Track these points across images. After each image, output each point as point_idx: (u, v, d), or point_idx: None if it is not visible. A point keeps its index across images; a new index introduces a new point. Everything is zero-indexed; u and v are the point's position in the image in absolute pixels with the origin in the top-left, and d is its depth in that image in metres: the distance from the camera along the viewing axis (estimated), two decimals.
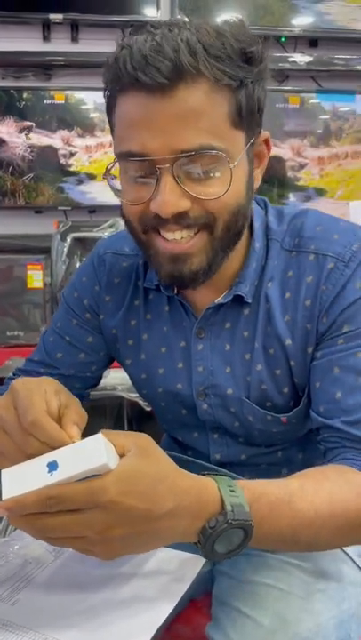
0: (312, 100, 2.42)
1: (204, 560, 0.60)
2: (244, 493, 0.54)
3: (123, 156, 0.62)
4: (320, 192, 2.43)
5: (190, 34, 0.58)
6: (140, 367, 0.82)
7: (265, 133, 0.68)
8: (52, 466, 0.49)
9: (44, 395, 0.57)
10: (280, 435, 0.79)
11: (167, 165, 0.59)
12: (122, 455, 0.50)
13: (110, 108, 0.64)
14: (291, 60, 2.41)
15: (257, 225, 0.74)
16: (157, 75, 0.57)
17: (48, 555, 0.66)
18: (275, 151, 2.41)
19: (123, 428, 1.93)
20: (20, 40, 2.31)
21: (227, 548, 0.54)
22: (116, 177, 0.67)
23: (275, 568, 0.71)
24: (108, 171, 0.66)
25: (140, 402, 1.87)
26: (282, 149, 2.41)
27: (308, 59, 2.42)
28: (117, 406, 1.94)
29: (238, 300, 0.74)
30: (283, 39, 2.41)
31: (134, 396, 1.85)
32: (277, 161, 2.40)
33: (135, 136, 0.60)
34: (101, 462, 0.48)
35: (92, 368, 0.86)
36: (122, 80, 0.59)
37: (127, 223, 0.68)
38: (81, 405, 0.61)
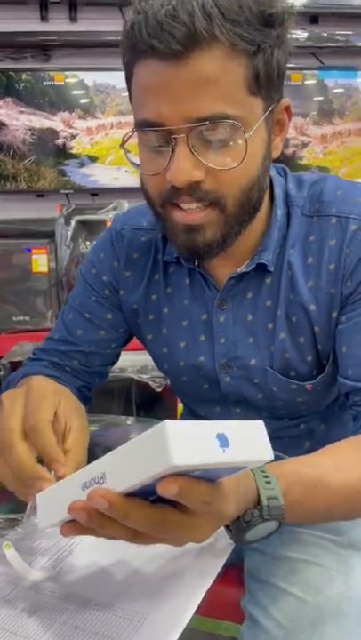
0: (314, 78, 2.40)
1: None
2: (279, 484, 0.53)
3: (139, 125, 0.62)
4: (324, 171, 2.42)
5: None
6: (162, 342, 0.82)
7: (285, 100, 0.66)
8: (223, 441, 0.41)
9: (56, 405, 0.57)
10: (304, 405, 0.79)
11: (182, 135, 0.59)
12: None
13: (128, 76, 0.63)
14: (292, 36, 2.38)
15: (278, 192, 0.73)
16: (172, 41, 0.56)
17: None
18: None
19: (131, 410, 1.93)
20: (18, 20, 2.27)
21: (257, 536, 0.54)
22: (130, 151, 0.67)
23: (309, 543, 0.71)
24: (124, 141, 0.65)
25: (151, 383, 1.87)
26: None
27: (308, 35, 2.39)
28: (126, 388, 1.94)
29: (261, 269, 0.73)
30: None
31: (145, 377, 1.86)
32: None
33: (151, 104, 0.59)
34: (267, 458, 0.44)
35: (111, 345, 0.86)
36: (137, 47, 0.59)
37: (146, 195, 0.67)
38: (87, 441, 0.60)
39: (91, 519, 0.43)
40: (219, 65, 0.57)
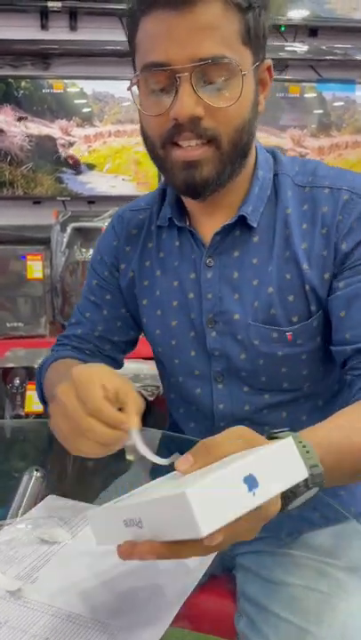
0: (312, 90, 2.41)
1: None
2: (315, 451, 0.55)
3: (146, 68, 0.68)
4: None
5: None
6: (156, 303, 0.86)
7: (268, 61, 0.74)
8: (251, 483, 0.41)
9: (101, 381, 0.60)
10: (285, 367, 0.78)
11: (186, 74, 0.65)
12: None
13: (132, 34, 0.70)
14: (290, 49, 2.39)
15: (261, 158, 0.80)
16: None
17: (64, 533, 0.65)
18: (275, 141, 2.40)
19: None
20: (18, 28, 2.28)
21: (298, 504, 0.55)
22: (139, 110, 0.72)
23: (306, 567, 0.71)
24: (131, 85, 0.72)
25: (143, 392, 1.86)
26: (282, 139, 2.40)
27: (307, 48, 2.41)
28: None
29: (246, 227, 0.77)
30: (282, 28, 2.40)
31: (137, 386, 1.85)
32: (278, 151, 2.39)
33: (158, 48, 0.66)
34: (302, 477, 0.44)
35: (116, 324, 0.91)
36: (146, 0, 0.66)
37: (147, 141, 0.73)
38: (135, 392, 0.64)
39: (144, 558, 0.45)
40: (219, 14, 0.66)
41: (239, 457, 0.45)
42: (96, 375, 0.60)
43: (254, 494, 0.40)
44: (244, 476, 0.40)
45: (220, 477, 0.40)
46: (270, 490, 0.41)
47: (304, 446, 0.54)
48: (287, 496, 0.53)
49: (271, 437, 0.56)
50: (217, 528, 0.38)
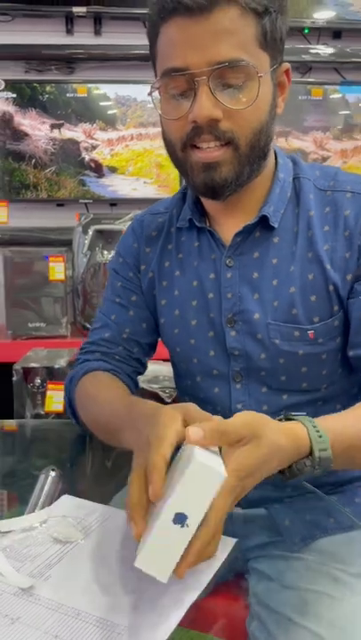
0: (335, 92, 2.40)
1: (234, 542, 0.60)
2: (328, 436, 0.58)
3: (166, 73, 0.70)
4: None
5: None
6: (175, 303, 0.86)
7: (285, 64, 0.75)
8: (180, 518, 0.45)
9: (178, 428, 0.57)
10: (305, 366, 0.78)
11: (204, 77, 0.68)
12: (238, 441, 0.55)
13: (153, 41, 0.73)
14: (314, 51, 2.38)
15: (281, 162, 0.82)
16: None
17: (77, 533, 0.66)
18: (297, 144, 2.39)
19: None
20: (44, 33, 2.32)
21: (303, 478, 0.60)
22: (157, 107, 0.75)
23: (320, 573, 0.71)
24: (151, 91, 0.74)
25: (161, 393, 1.87)
26: (304, 142, 2.39)
27: (331, 50, 2.39)
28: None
29: (266, 228, 0.79)
30: (306, 31, 2.39)
31: (155, 387, 1.86)
32: (300, 154, 2.38)
33: (177, 53, 0.68)
34: (221, 479, 0.48)
35: (142, 325, 0.91)
36: (166, 7, 0.68)
37: (168, 144, 0.76)
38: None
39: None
40: (236, 19, 0.67)
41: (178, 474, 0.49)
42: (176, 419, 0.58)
43: (188, 525, 0.45)
44: (171, 519, 0.45)
45: (154, 535, 0.45)
46: (199, 511, 0.45)
47: (318, 431, 0.58)
48: (293, 472, 0.57)
49: (288, 419, 0.60)
50: (172, 569, 0.46)
